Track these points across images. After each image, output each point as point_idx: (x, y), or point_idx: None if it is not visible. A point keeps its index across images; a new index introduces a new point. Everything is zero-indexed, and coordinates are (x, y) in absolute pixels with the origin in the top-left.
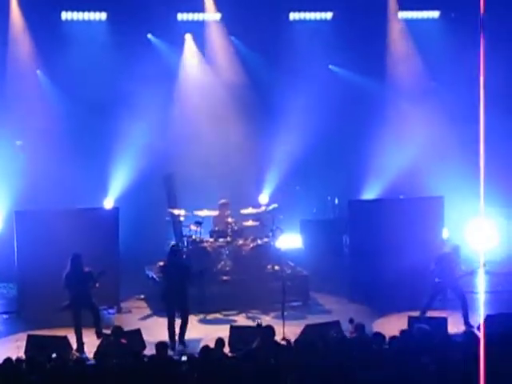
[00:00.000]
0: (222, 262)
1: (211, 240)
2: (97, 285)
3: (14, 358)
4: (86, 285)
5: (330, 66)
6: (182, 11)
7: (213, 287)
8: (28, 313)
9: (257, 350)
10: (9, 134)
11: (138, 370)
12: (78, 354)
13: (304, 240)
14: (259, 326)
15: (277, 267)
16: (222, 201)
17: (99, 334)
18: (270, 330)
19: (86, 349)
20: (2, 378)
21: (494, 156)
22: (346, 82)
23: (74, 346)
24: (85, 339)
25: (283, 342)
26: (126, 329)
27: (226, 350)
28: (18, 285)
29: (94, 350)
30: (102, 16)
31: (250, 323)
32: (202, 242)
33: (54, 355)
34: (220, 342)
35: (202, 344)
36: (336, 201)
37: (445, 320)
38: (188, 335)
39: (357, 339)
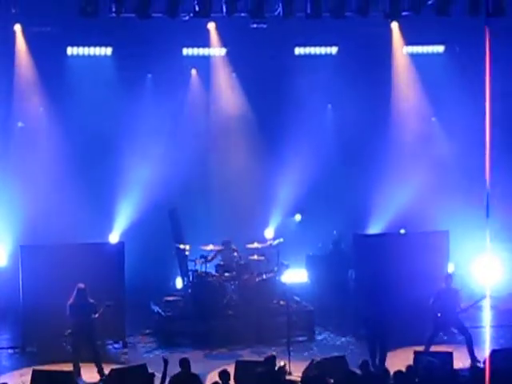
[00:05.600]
0: (228, 297)
1: (217, 274)
2: (96, 315)
3: None
4: (89, 316)
5: (329, 106)
6: (188, 46)
7: (218, 322)
8: (33, 348)
9: None
10: (13, 166)
11: None
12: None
13: (309, 274)
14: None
15: (282, 302)
16: (225, 239)
17: (101, 374)
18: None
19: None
20: None
21: (499, 190)
22: (350, 117)
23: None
24: (88, 374)
25: (291, 377)
26: (132, 363)
27: None
28: (22, 320)
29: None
30: (108, 51)
31: (256, 358)
32: (207, 276)
33: None
34: (224, 374)
35: (208, 379)
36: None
37: (450, 355)
38: (194, 370)
39: (363, 376)
